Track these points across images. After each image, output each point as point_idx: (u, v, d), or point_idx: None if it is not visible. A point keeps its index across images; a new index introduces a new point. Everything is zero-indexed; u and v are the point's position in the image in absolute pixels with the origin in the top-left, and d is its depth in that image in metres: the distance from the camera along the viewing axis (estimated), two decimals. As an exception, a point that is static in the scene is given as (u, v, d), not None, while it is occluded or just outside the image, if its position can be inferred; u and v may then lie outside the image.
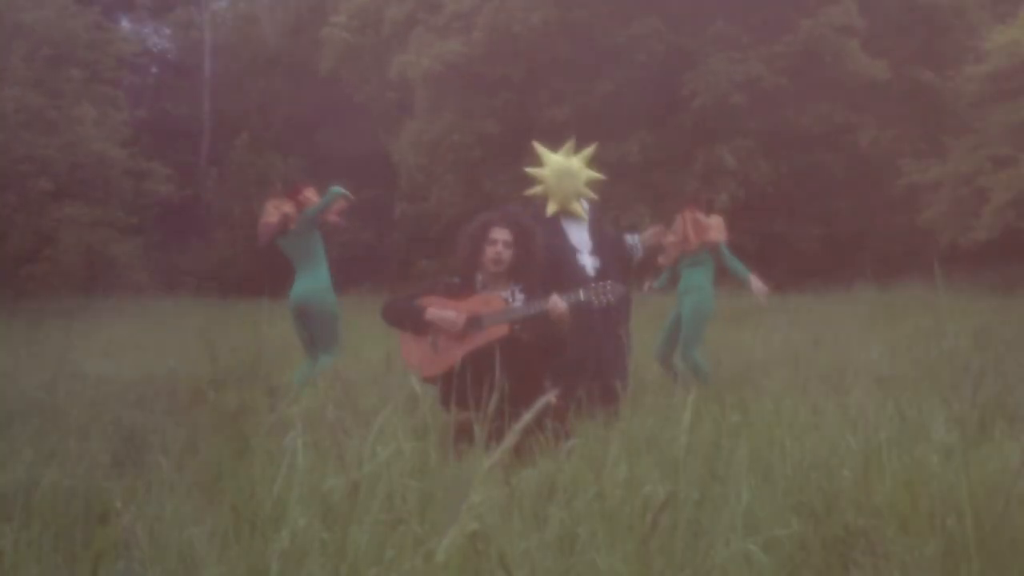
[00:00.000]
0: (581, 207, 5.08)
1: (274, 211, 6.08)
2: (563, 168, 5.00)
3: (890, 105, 19.55)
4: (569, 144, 5.11)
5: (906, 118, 19.64)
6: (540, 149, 5.13)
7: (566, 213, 5.03)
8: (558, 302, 3.80)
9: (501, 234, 3.98)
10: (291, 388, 5.28)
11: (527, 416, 1.65)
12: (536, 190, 5.09)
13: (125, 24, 25.98)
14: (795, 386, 4.77)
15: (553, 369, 4.09)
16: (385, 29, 21.76)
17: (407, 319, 3.96)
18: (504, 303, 3.94)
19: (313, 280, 6.02)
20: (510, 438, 1.61)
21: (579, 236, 5.03)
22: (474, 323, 3.87)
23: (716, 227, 6.13)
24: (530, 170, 5.12)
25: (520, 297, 4.00)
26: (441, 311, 3.89)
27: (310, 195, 6.14)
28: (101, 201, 18.03)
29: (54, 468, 3.01)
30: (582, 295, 3.92)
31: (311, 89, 24.77)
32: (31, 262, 17.31)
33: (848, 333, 8.04)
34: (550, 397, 3.08)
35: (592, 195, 5.16)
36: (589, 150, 5.15)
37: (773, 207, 19.37)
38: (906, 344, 6.78)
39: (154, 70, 27.30)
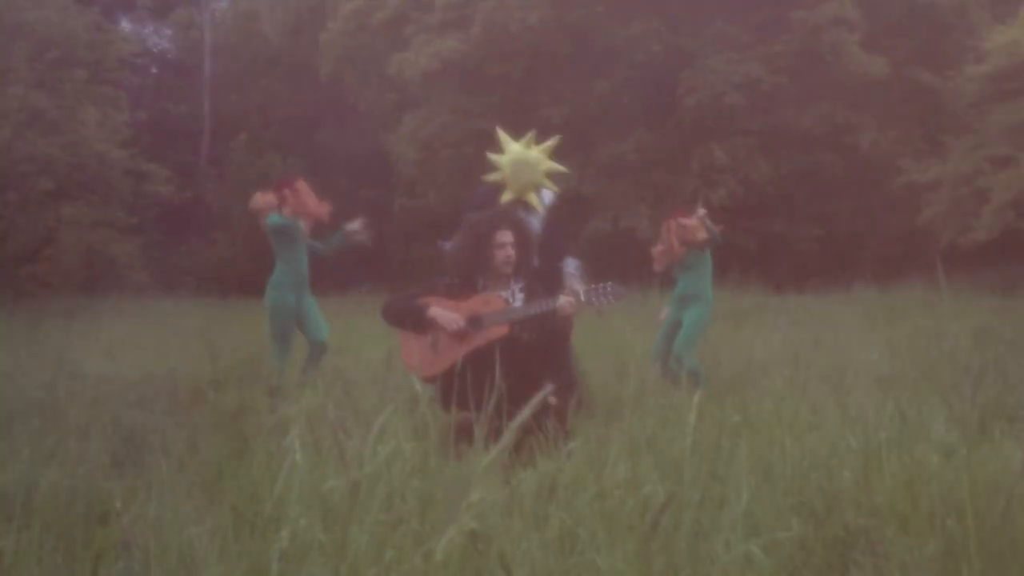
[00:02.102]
0: (537, 198, 4.95)
1: (259, 199, 6.26)
2: (521, 158, 4.84)
3: (890, 105, 19.55)
4: (530, 135, 5.00)
5: (906, 118, 19.63)
6: (502, 136, 5.02)
7: (521, 204, 4.91)
8: (570, 301, 3.85)
9: (506, 236, 4.01)
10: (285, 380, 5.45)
11: (523, 413, 1.64)
12: (494, 176, 4.98)
13: (125, 24, 25.97)
14: (795, 386, 4.77)
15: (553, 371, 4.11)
16: (381, 28, 21.73)
17: (408, 318, 3.97)
18: (504, 303, 3.95)
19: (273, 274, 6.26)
20: (507, 437, 1.61)
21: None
22: (474, 323, 3.87)
23: (699, 225, 6.12)
24: (492, 156, 5.02)
25: (520, 297, 4.01)
26: (443, 311, 3.90)
27: (300, 187, 6.24)
28: (101, 201, 18.02)
29: (54, 468, 3.01)
30: (582, 296, 3.94)
31: (311, 89, 24.76)
32: (31, 262, 17.30)
33: (848, 333, 8.04)
34: (549, 397, 3.08)
35: (553, 187, 5.06)
36: (551, 141, 5.03)
37: (773, 207, 19.37)
38: (906, 344, 6.78)
39: (154, 70, 27.26)
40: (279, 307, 6.19)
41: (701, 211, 6.25)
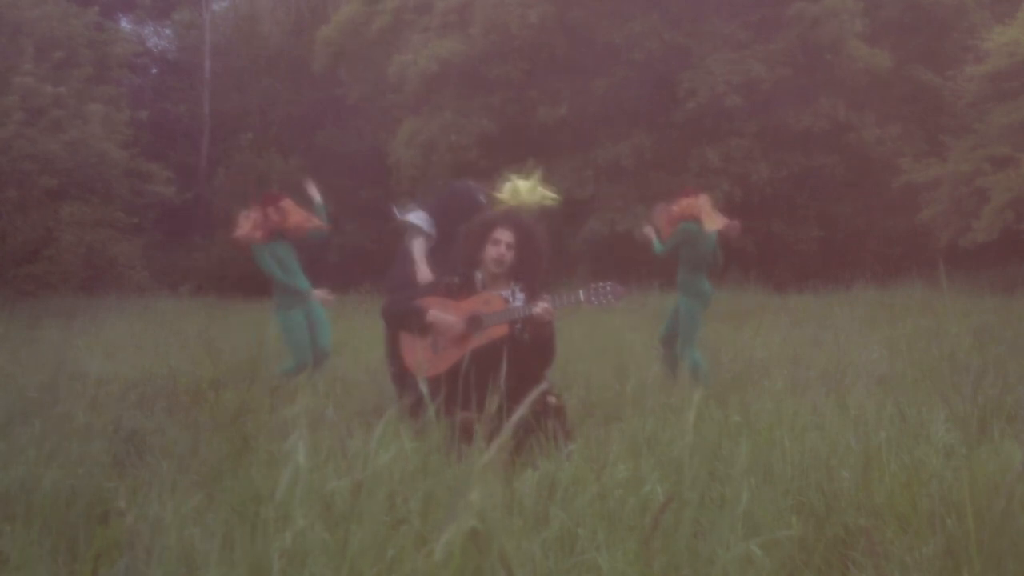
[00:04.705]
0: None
1: (243, 222, 6.25)
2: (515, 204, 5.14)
3: (891, 103, 19.55)
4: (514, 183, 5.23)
5: (907, 117, 19.63)
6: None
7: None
8: (546, 308, 3.81)
9: (504, 235, 3.98)
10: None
11: (520, 410, 1.64)
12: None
13: (125, 24, 25.98)
14: (795, 386, 4.78)
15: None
16: (378, 30, 21.71)
17: (408, 320, 3.96)
18: (505, 303, 3.94)
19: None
20: (504, 434, 1.61)
21: None
22: (474, 323, 3.87)
23: (703, 207, 6.13)
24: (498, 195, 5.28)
25: (520, 297, 4.00)
26: (442, 315, 3.89)
27: (285, 207, 6.24)
28: (101, 201, 18.04)
29: (55, 468, 3.01)
30: (581, 295, 3.93)
31: (311, 89, 24.76)
32: (31, 262, 17.31)
33: (848, 333, 8.04)
34: (549, 397, 3.07)
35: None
36: (534, 179, 5.27)
37: (773, 207, 19.36)
38: (906, 344, 6.78)
39: (154, 70, 27.29)
40: (291, 322, 6.19)
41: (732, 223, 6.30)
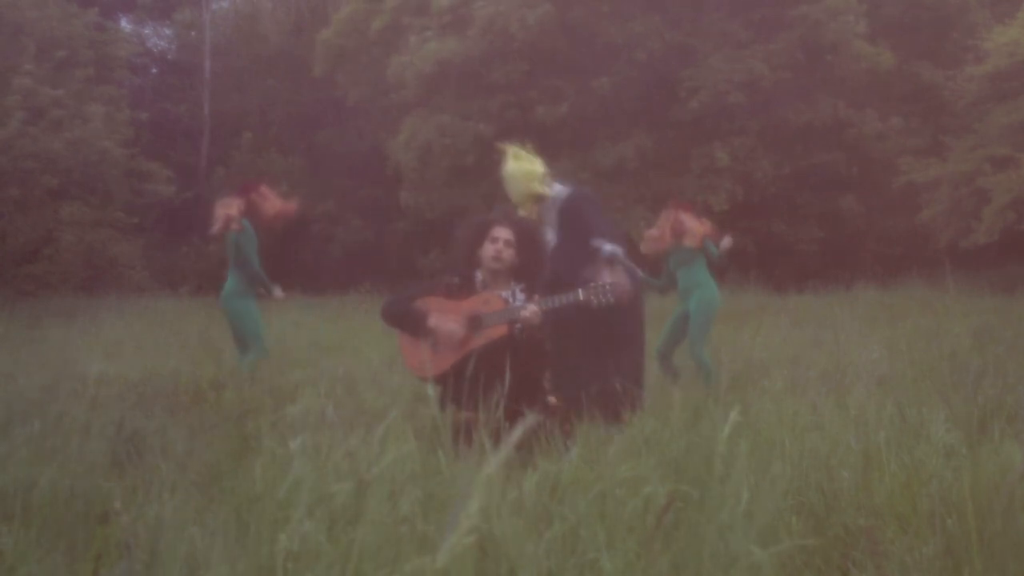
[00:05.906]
0: (530, 208, 4.95)
1: (221, 211, 6.27)
2: (506, 175, 4.95)
3: (892, 104, 19.55)
4: (514, 150, 5.05)
5: (908, 115, 19.63)
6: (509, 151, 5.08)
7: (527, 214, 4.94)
8: (534, 310, 3.79)
9: (502, 232, 3.98)
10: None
11: (526, 421, 1.64)
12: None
13: (125, 24, 26.00)
14: (795, 386, 4.78)
15: (553, 374, 4.10)
16: (377, 31, 21.68)
17: (407, 323, 3.95)
18: (504, 302, 3.94)
19: (229, 283, 6.29)
20: (510, 442, 1.60)
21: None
22: (474, 323, 3.87)
23: (693, 231, 6.19)
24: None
25: (521, 297, 3.99)
26: (442, 319, 3.88)
27: (265, 192, 6.36)
28: (102, 201, 18.05)
29: (54, 468, 3.01)
30: (581, 295, 3.92)
31: (311, 89, 24.77)
32: (31, 262, 17.31)
33: (848, 333, 8.04)
34: (551, 398, 3.06)
35: (546, 190, 5.02)
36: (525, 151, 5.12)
37: (773, 207, 19.36)
38: (906, 344, 6.78)
39: (154, 70, 27.31)
40: (252, 311, 6.28)
41: (726, 241, 6.35)
